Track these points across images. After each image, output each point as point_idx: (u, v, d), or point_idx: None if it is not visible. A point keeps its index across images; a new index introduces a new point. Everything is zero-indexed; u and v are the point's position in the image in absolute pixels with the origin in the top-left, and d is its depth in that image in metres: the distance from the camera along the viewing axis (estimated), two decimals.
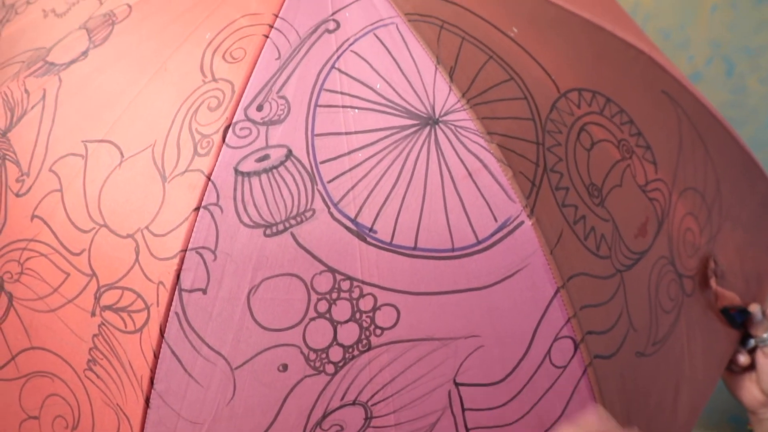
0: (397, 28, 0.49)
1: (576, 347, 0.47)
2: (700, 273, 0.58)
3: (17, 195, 0.47)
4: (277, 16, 0.48)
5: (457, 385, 0.46)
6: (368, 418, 0.45)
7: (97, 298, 0.44)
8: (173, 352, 0.43)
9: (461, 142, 0.47)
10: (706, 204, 0.59)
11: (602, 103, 0.54)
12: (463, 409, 0.46)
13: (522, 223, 0.47)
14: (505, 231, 0.46)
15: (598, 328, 0.49)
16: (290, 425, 0.44)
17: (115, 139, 0.46)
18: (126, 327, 0.44)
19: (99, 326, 0.44)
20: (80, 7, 0.53)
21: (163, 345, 0.42)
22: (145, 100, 0.47)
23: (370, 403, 0.45)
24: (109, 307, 0.44)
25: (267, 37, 0.47)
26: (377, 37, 0.48)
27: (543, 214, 0.47)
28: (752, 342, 0.62)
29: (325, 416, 0.44)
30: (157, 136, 0.45)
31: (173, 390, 0.43)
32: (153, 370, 0.42)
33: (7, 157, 0.47)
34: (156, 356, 0.42)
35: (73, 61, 0.51)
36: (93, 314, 0.44)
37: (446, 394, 0.46)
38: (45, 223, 0.46)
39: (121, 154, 0.46)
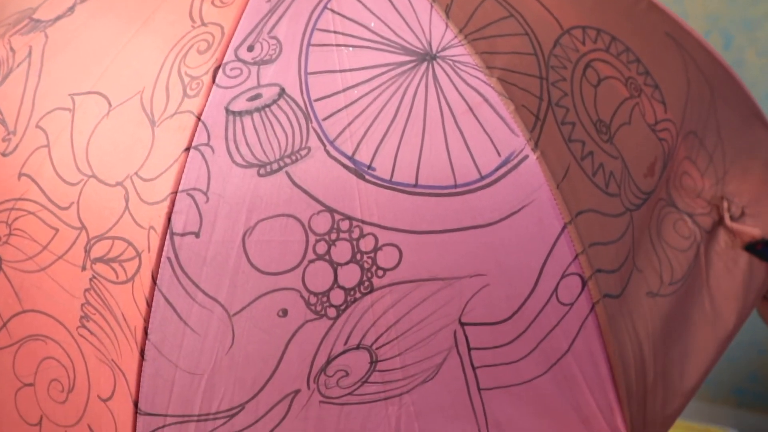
0: None
1: (584, 284, 0.46)
2: (716, 213, 0.56)
3: (4, 155, 0.45)
4: None
5: (462, 324, 0.44)
6: (373, 362, 0.43)
7: (87, 252, 0.42)
8: (167, 300, 0.41)
9: (460, 77, 0.45)
10: (705, 149, 0.57)
11: (608, 41, 0.52)
12: (469, 349, 0.45)
13: (526, 157, 0.45)
14: (509, 165, 0.45)
15: (608, 267, 0.47)
16: (293, 372, 0.42)
17: (102, 90, 0.45)
18: (117, 278, 0.42)
19: (90, 280, 0.42)
20: None
21: (156, 293, 0.41)
22: (132, 50, 0.45)
23: (374, 347, 0.43)
24: (99, 259, 0.42)
25: None
26: None
27: (548, 148, 0.46)
28: None
29: (329, 362, 0.43)
30: (146, 82, 0.44)
31: (169, 340, 0.41)
32: (147, 320, 0.41)
33: None
34: (149, 305, 0.40)
35: (59, 17, 0.50)
36: (84, 268, 0.42)
37: (452, 335, 0.44)
38: (32, 180, 0.44)
39: (109, 103, 0.44)
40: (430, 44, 0.46)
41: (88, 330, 0.43)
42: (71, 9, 0.50)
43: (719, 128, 0.59)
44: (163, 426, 0.41)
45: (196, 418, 0.42)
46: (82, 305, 0.43)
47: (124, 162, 0.43)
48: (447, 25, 0.46)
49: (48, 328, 0.45)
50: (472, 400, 0.46)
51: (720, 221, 0.57)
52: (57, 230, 0.43)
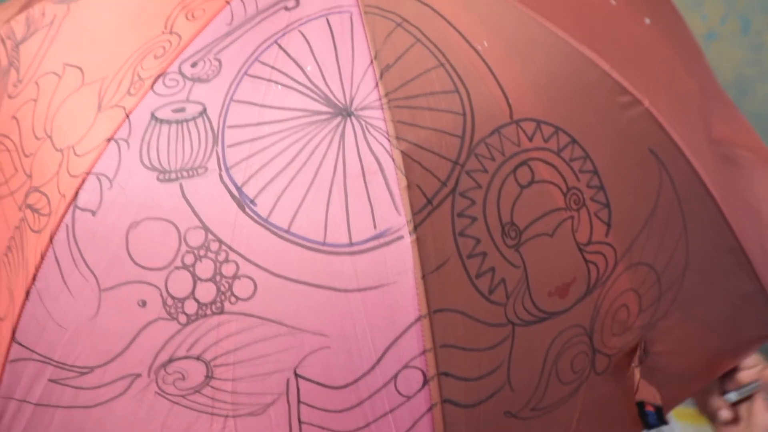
0: (350, 18, 0.48)
1: (425, 382, 0.44)
2: (624, 355, 0.50)
3: (10, 97, 0.55)
4: None
5: (297, 375, 0.45)
6: (208, 377, 0.46)
7: (26, 197, 0.50)
8: (56, 258, 0.48)
9: (366, 140, 0.45)
10: (659, 286, 0.51)
11: (563, 143, 0.48)
12: (299, 401, 0.46)
13: (401, 237, 0.44)
14: (381, 240, 0.44)
15: (461, 374, 0.45)
16: (139, 358, 0.47)
17: (84, 66, 0.52)
18: (33, 226, 0.49)
19: (20, 220, 0.51)
20: None
21: (49, 250, 0.47)
22: (117, 38, 0.52)
23: (212, 364, 0.46)
24: (30, 207, 0.50)
25: (228, 3, 0.49)
26: (328, 22, 0.48)
27: (429, 236, 0.44)
28: (733, 396, 0.57)
29: (170, 361, 0.47)
30: (110, 71, 0.50)
31: (49, 291, 0.48)
32: (37, 269, 0.48)
33: (13, 64, 0.55)
34: (42, 257, 0.47)
35: None
36: (20, 209, 0.51)
37: (285, 381, 0.46)
38: (18, 124, 0.53)
39: (83, 80, 0.51)
40: (352, 100, 0.46)
41: (8, 259, 0.51)
42: None
43: (686, 268, 0.51)
44: (29, 359, 0.49)
45: (54, 363, 0.48)
46: (10, 238, 0.51)
47: (71, 134, 0.50)
48: (376, 85, 0.46)
49: None
50: None
51: (625, 365, 0.50)
52: (17, 171, 0.52)
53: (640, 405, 0.50)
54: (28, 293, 0.48)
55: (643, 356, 0.52)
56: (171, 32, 0.50)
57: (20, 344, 0.48)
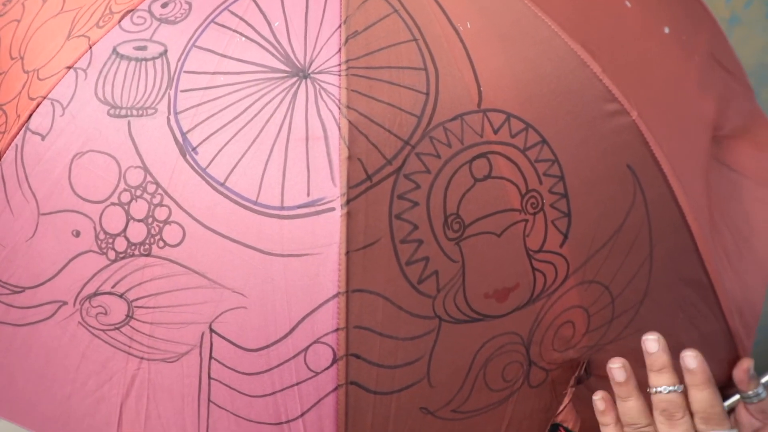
0: None
1: (334, 361, 0.43)
2: (562, 372, 0.47)
3: (0, 15, 0.56)
4: None
5: (212, 330, 0.45)
6: (128, 317, 0.46)
7: None
8: (2, 176, 0.48)
9: (317, 105, 0.44)
10: (612, 308, 0.47)
11: (532, 142, 0.45)
12: (211, 356, 0.45)
13: (332, 209, 0.43)
14: (311, 209, 0.43)
15: (374, 359, 0.43)
16: (66, 285, 0.47)
17: None
18: None
19: None
20: None
21: None
22: None
23: (134, 305, 0.46)
24: None
25: None
26: None
27: (361, 213, 0.42)
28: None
29: (95, 294, 0.47)
30: (88, 2, 0.50)
31: None
32: None
33: None
34: None
35: None
36: None
37: (200, 334, 0.45)
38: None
39: (63, 7, 0.51)
40: (311, 62, 0.45)
41: None
42: None
43: (645, 296, 0.48)
44: None
45: None
46: None
47: (39, 58, 0.50)
48: (339, 50, 0.44)
49: None
50: (199, 405, 0.46)
51: (560, 384, 0.48)
52: None
53: (554, 427, 0.48)
54: None
55: (583, 377, 0.50)
56: None
57: None
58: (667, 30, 0.55)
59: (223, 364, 0.45)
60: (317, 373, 0.43)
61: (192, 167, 0.45)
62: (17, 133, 0.48)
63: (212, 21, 0.47)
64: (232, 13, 0.47)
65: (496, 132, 0.45)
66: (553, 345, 0.48)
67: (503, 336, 0.47)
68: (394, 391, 0.45)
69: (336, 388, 0.43)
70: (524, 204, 0.45)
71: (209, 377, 0.46)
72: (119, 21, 0.47)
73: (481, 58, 0.46)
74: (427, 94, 0.44)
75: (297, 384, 0.44)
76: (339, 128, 0.43)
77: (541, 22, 0.48)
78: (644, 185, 0.48)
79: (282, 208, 0.43)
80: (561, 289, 0.47)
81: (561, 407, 0.48)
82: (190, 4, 0.48)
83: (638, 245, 0.48)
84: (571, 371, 0.49)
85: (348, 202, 0.42)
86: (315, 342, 0.43)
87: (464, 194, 0.44)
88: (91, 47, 0.47)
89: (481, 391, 0.47)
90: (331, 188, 0.43)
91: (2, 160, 0.48)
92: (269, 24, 0.46)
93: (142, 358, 0.47)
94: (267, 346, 0.44)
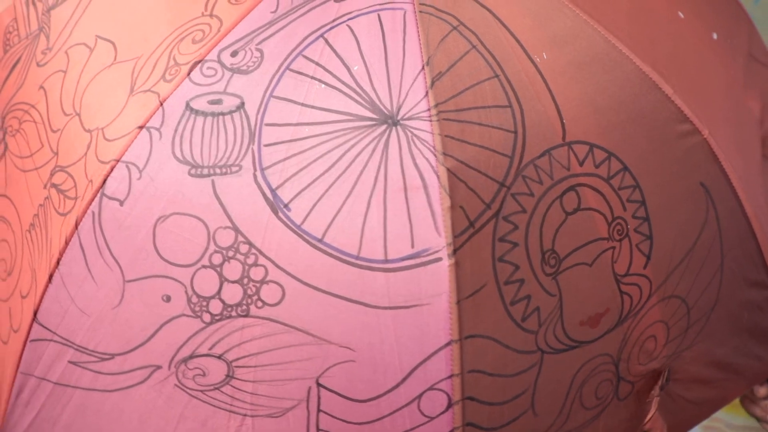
0: (404, 16, 0.45)
1: (449, 405, 0.43)
2: (645, 383, 0.49)
3: (38, 65, 0.53)
4: None
5: (319, 385, 0.45)
6: (229, 377, 0.46)
7: (51, 175, 0.49)
8: (81, 245, 0.46)
9: (411, 153, 0.43)
10: (688, 318, 0.49)
11: (615, 170, 0.46)
12: (319, 410, 0.45)
13: (439, 260, 0.42)
14: (417, 260, 0.43)
15: (486, 398, 0.44)
16: (160, 350, 0.46)
17: (117, 41, 0.49)
18: (59, 208, 0.48)
19: (45, 198, 0.49)
20: None
21: (74, 235, 0.46)
22: (153, 14, 0.49)
23: (234, 364, 0.46)
24: (55, 186, 0.49)
25: None
26: (379, 18, 0.45)
27: (467, 260, 0.43)
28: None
29: (191, 357, 0.46)
30: (145, 51, 0.48)
31: (73, 277, 0.47)
32: (61, 254, 0.47)
33: (43, 29, 0.53)
34: (66, 242, 0.46)
35: None
36: (45, 187, 0.49)
37: (306, 389, 0.45)
38: (45, 95, 0.51)
39: (116, 57, 0.49)
40: (399, 108, 0.44)
41: (31, 237, 0.50)
42: None
43: (716, 304, 0.50)
44: (50, 340, 0.48)
45: (75, 347, 0.48)
46: (34, 215, 0.50)
47: (100, 115, 0.48)
48: (426, 94, 0.43)
49: (13, 219, 0.52)
50: None
51: (645, 393, 0.50)
52: (42, 146, 0.50)
53: None
54: (51, 277, 0.47)
55: (664, 384, 0.52)
56: (211, 15, 0.47)
57: (42, 325, 0.48)
58: (715, 36, 0.55)
59: (333, 416, 0.45)
60: (432, 418, 0.44)
61: (286, 225, 0.44)
62: (92, 199, 0.46)
63: (287, 68, 0.45)
64: (307, 58, 0.45)
65: (581, 164, 0.45)
66: (638, 359, 0.50)
67: (597, 358, 0.48)
68: (503, 426, 0.46)
69: (452, 431, 0.44)
70: (611, 231, 0.46)
71: (317, 429, 0.46)
72: (188, 73, 0.45)
73: (560, 90, 0.46)
74: (515, 132, 0.44)
75: (411, 429, 0.44)
76: (438, 176, 0.42)
77: (611, 46, 0.47)
78: (716, 201, 0.49)
79: (386, 261, 0.43)
80: (645, 307, 0.48)
81: (648, 416, 0.50)
82: (261, 51, 0.46)
83: (711, 257, 0.50)
84: (654, 380, 0.51)
85: (455, 251, 0.42)
86: (429, 389, 0.43)
87: (558, 229, 0.44)
88: (162, 104, 0.45)
89: (577, 411, 0.48)
90: (436, 238, 0.42)
91: (79, 228, 0.46)
92: (348, 68, 0.45)
93: (245, 415, 0.47)
94: (378, 396, 0.44)
